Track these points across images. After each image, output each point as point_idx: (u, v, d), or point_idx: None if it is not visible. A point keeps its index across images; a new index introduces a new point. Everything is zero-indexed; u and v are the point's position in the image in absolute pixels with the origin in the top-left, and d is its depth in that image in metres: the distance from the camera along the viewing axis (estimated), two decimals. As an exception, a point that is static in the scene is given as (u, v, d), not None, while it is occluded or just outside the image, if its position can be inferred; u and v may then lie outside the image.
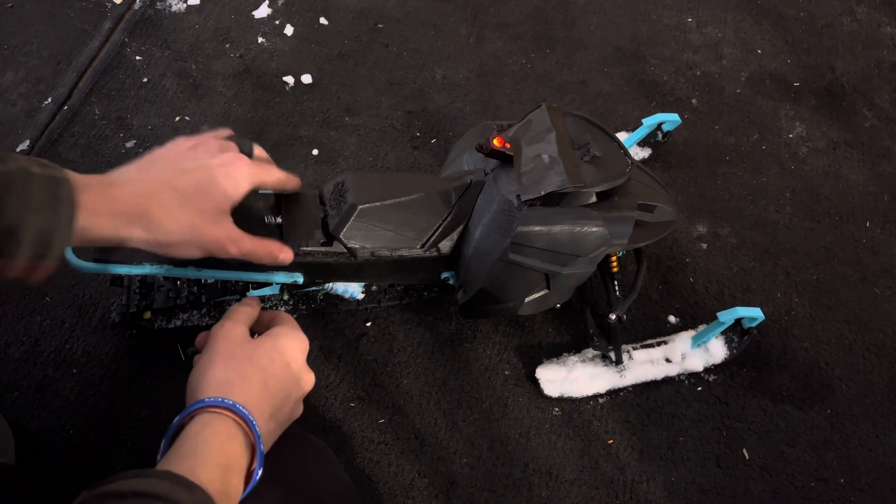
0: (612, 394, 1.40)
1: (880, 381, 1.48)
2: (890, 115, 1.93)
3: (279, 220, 1.12)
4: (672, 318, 1.52)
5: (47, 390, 1.32)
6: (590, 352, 1.42)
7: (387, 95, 1.85)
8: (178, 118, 1.74)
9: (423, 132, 1.78)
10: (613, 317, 1.31)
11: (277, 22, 1.97)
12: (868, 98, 1.97)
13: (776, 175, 1.79)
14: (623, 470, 1.33)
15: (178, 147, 0.91)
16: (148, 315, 1.31)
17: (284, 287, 1.36)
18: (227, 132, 0.99)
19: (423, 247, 1.17)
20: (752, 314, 1.34)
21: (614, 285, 1.36)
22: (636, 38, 2.05)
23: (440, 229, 1.17)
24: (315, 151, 1.71)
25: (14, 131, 1.67)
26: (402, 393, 1.38)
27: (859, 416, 1.43)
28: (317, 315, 1.44)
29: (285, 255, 0.97)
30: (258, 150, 1.03)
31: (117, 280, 1.29)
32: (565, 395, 1.38)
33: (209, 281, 1.29)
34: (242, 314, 0.92)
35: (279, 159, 1.68)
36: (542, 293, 1.24)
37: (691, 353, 1.42)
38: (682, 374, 1.42)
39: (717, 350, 1.41)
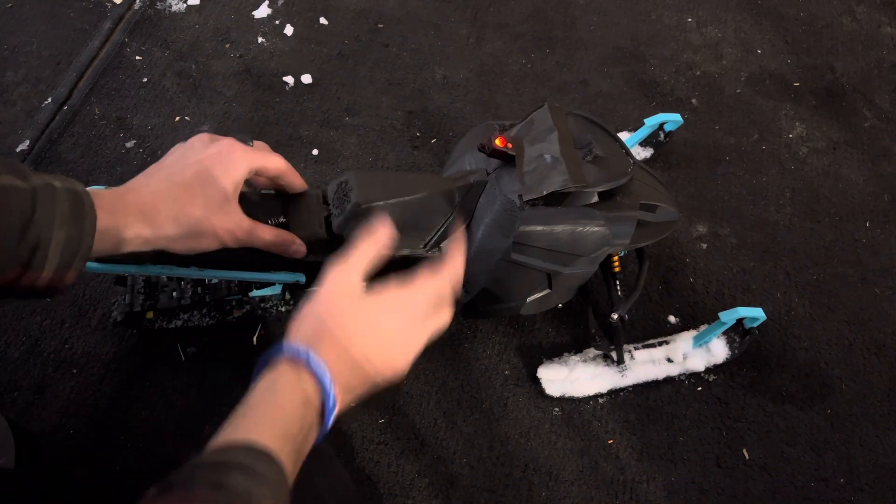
0: (612, 394, 1.40)
1: (880, 381, 1.48)
2: (890, 116, 1.93)
3: (282, 220, 1.11)
4: (672, 318, 1.52)
5: (47, 390, 1.32)
6: (591, 351, 1.42)
7: (387, 95, 1.85)
8: (178, 118, 1.74)
9: (423, 132, 1.78)
10: (615, 316, 1.31)
11: (277, 22, 1.97)
12: (868, 98, 1.97)
13: (776, 175, 1.79)
14: (623, 470, 1.33)
15: (176, 150, 0.91)
16: (150, 315, 1.31)
17: (287, 287, 1.36)
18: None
19: (425, 246, 1.17)
20: (754, 314, 1.34)
21: (616, 285, 1.36)
22: (636, 37, 2.05)
23: (443, 229, 1.17)
24: (315, 151, 1.71)
25: (14, 131, 1.66)
26: (401, 393, 1.38)
27: (859, 416, 1.43)
28: (317, 315, 1.44)
29: (298, 246, 0.96)
30: (259, 143, 1.03)
31: (121, 280, 1.29)
32: (567, 395, 1.38)
33: (213, 281, 1.29)
34: (362, 258, 0.76)
35: (279, 159, 1.68)
36: (544, 293, 1.24)
37: (693, 353, 1.42)
38: (683, 374, 1.43)
39: (718, 350, 1.41)
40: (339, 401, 0.68)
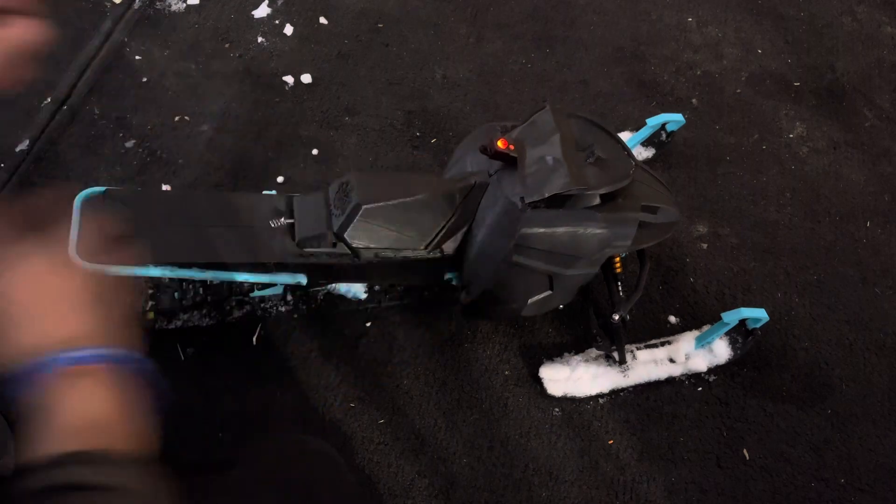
0: (613, 394, 1.40)
1: (881, 381, 1.48)
2: (890, 115, 1.93)
3: (289, 220, 1.12)
4: (672, 318, 1.52)
5: (48, 391, 1.32)
6: (593, 351, 1.42)
7: (387, 95, 1.85)
8: (177, 118, 1.73)
9: (423, 132, 1.78)
10: (617, 317, 1.31)
11: (277, 22, 1.97)
12: (868, 98, 1.97)
13: (776, 175, 1.79)
14: (623, 470, 1.33)
15: None
16: (151, 315, 1.31)
17: (287, 288, 1.36)
18: None
19: (426, 248, 1.17)
20: (757, 315, 1.34)
21: (617, 286, 1.36)
22: (636, 37, 2.05)
23: (444, 230, 1.17)
24: (315, 151, 1.71)
25: (13, 131, 1.66)
26: (401, 393, 1.38)
27: (860, 416, 1.43)
28: (317, 315, 1.44)
29: None
30: None
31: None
32: (568, 395, 1.38)
33: (214, 282, 1.29)
34: None
35: (279, 159, 1.68)
36: (545, 294, 1.24)
37: (695, 353, 1.42)
38: (685, 374, 1.43)
39: (720, 351, 1.41)
40: None
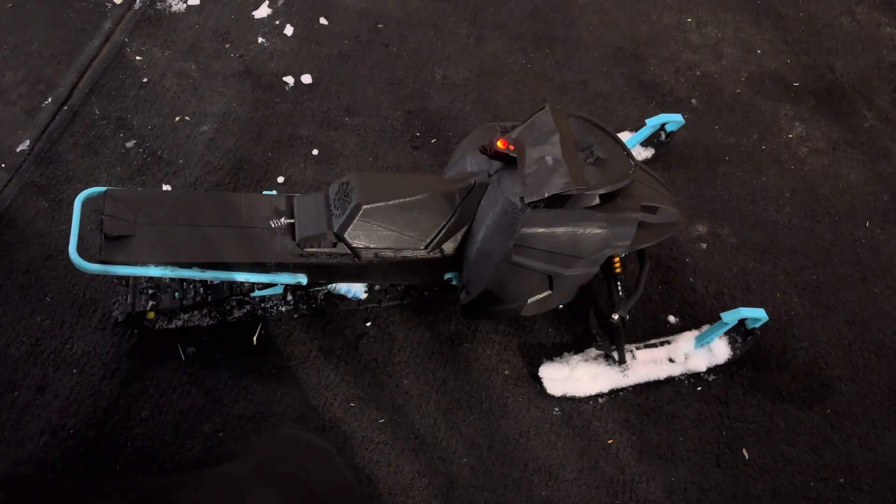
0: (612, 393, 1.40)
1: (880, 380, 1.48)
2: (889, 116, 1.93)
3: (289, 220, 1.12)
4: (672, 318, 1.52)
5: (47, 390, 1.32)
6: (592, 351, 1.42)
7: (387, 95, 1.85)
8: (178, 118, 1.74)
9: (423, 132, 1.78)
10: (616, 317, 1.31)
11: (277, 22, 1.97)
12: (868, 98, 1.97)
13: (776, 175, 1.79)
14: (623, 469, 1.33)
15: None
16: (151, 315, 1.31)
17: (288, 287, 1.36)
18: None
19: (426, 248, 1.18)
20: (756, 315, 1.34)
21: (617, 286, 1.36)
22: (636, 38, 2.05)
23: (444, 230, 1.17)
24: (315, 151, 1.71)
25: (14, 131, 1.66)
26: (401, 393, 1.38)
27: (859, 416, 1.43)
28: (317, 315, 1.44)
29: None
30: None
31: (123, 280, 1.29)
32: (568, 394, 1.38)
33: (215, 282, 1.29)
34: None
35: (279, 159, 1.68)
36: (545, 294, 1.24)
37: (694, 353, 1.42)
38: (684, 374, 1.43)
39: (720, 350, 1.41)
40: None
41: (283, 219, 1.11)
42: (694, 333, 1.44)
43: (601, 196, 1.13)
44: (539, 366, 1.40)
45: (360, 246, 1.13)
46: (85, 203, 1.12)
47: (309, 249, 1.13)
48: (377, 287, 1.42)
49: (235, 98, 1.79)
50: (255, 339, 1.40)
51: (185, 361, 1.37)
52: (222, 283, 1.29)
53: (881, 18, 2.17)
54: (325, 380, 1.38)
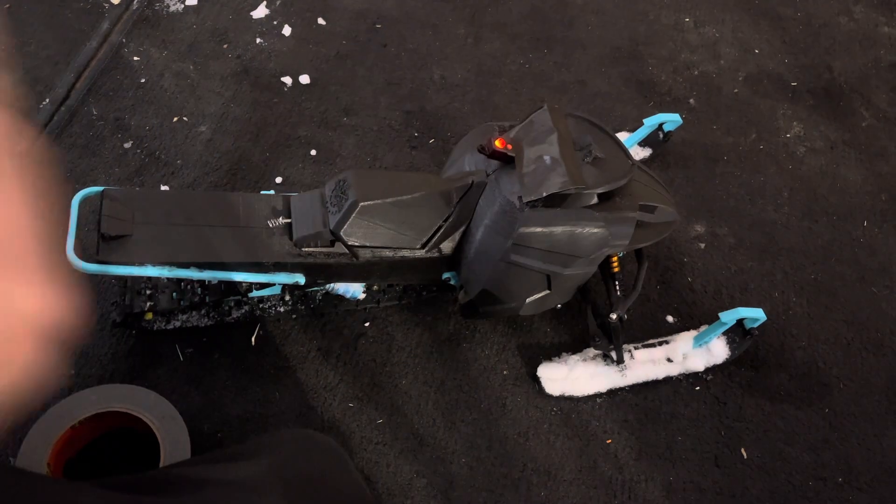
0: (611, 393, 1.40)
1: (878, 380, 1.48)
2: (887, 115, 1.94)
3: (286, 220, 1.12)
4: (670, 318, 1.52)
5: (45, 391, 1.32)
6: (591, 351, 1.42)
7: (385, 95, 1.85)
8: (175, 119, 1.74)
9: (421, 132, 1.78)
10: (614, 316, 1.31)
11: (275, 22, 1.97)
12: (865, 97, 1.97)
13: (774, 174, 1.79)
14: (621, 469, 1.33)
15: None
16: (149, 316, 1.31)
17: (286, 287, 1.36)
18: None
19: (424, 247, 1.18)
20: (755, 315, 1.34)
21: (615, 285, 1.36)
22: (634, 38, 2.05)
23: (442, 230, 1.17)
24: (313, 152, 1.71)
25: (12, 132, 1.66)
26: (400, 393, 1.38)
27: (857, 416, 1.43)
28: (315, 315, 1.44)
29: None
30: None
31: (121, 280, 1.29)
32: (566, 394, 1.38)
33: (212, 282, 1.29)
34: None
35: (277, 159, 1.68)
36: (543, 294, 1.24)
37: (693, 353, 1.42)
38: (683, 374, 1.43)
39: (718, 350, 1.41)
40: None
41: (280, 218, 1.10)
42: (692, 333, 1.44)
43: (599, 195, 1.13)
44: (537, 366, 1.40)
45: (357, 244, 1.13)
46: (82, 203, 1.12)
47: (306, 249, 1.12)
48: (375, 287, 1.42)
49: (233, 98, 1.79)
50: (253, 339, 1.40)
51: (184, 362, 1.37)
52: (220, 283, 1.29)
53: (879, 18, 2.17)
54: (324, 380, 1.38)
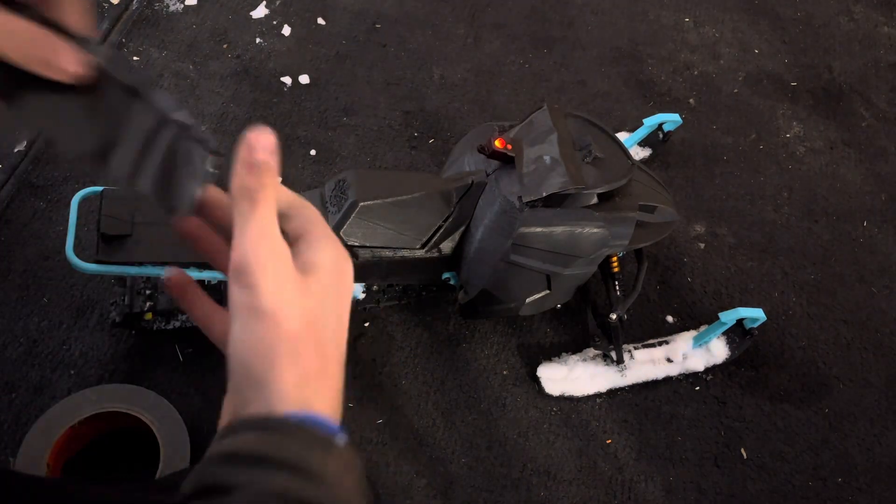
0: (610, 394, 1.40)
1: (878, 380, 1.48)
2: (887, 115, 1.94)
3: None
4: (670, 318, 1.52)
5: (45, 391, 1.32)
6: (591, 351, 1.42)
7: (384, 95, 1.85)
8: (175, 118, 1.73)
9: (420, 132, 1.78)
10: (614, 316, 1.31)
11: (275, 22, 1.97)
12: (865, 97, 1.97)
13: (774, 175, 1.79)
14: (621, 469, 1.33)
15: None
16: (149, 316, 1.31)
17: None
18: None
19: (423, 247, 1.18)
20: (754, 315, 1.34)
21: (615, 285, 1.36)
22: (634, 38, 2.05)
23: (441, 230, 1.17)
24: (313, 152, 1.71)
25: (11, 132, 1.66)
26: (400, 393, 1.38)
27: (857, 416, 1.43)
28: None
29: (66, 61, 0.43)
30: None
31: (121, 280, 1.29)
32: (566, 394, 1.38)
33: (212, 282, 1.29)
34: (270, 207, 0.45)
35: (277, 159, 1.68)
36: (543, 294, 1.24)
37: (693, 353, 1.42)
38: (682, 374, 1.43)
39: (718, 350, 1.41)
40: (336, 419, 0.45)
41: None
42: (692, 333, 1.44)
43: (599, 195, 1.13)
44: (537, 366, 1.40)
45: (357, 244, 1.12)
46: (82, 203, 1.11)
47: None
48: (375, 287, 1.42)
49: (233, 98, 1.79)
50: (252, 339, 1.40)
51: (183, 362, 1.36)
52: (219, 283, 1.28)
53: (879, 18, 2.17)
54: (324, 380, 1.38)
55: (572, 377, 1.38)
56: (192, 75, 1.83)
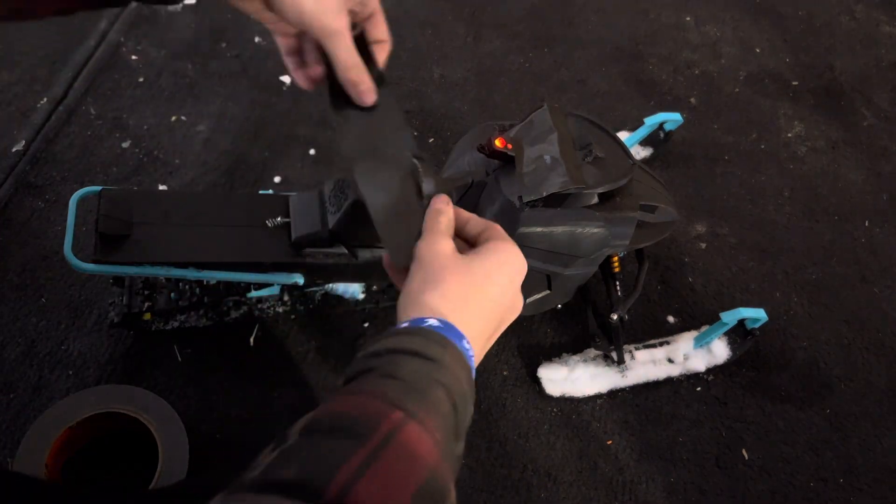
0: (611, 394, 1.40)
1: (879, 380, 1.48)
2: (888, 115, 1.93)
3: (285, 220, 1.11)
4: (671, 318, 1.52)
5: (43, 391, 1.31)
6: (591, 351, 1.42)
7: (384, 95, 1.84)
8: (174, 118, 1.73)
9: (420, 131, 1.78)
10: (615, 316, 1.31)
11: (274, 21, 1.96)
12: (866, 97, 1.97)
13: (775, 174, 1.78)
14: (622, 470, 1.33)
15: None
16: (148, 316, 1.30)
17: (285, 288, 1.36)
18: None
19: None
20: (756, 315, 1.34)
21: (616, 285, 1.35)
22: (634, 36, 2.05)
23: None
24: (312, 151, 1.70)
25: (9, 132, 1.65)
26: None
27: (858, 416, 1.43)
28: (314, 316, 1.43)
29: (368, 94, 0.74)
30: None
31: (119, 281, 1.29)
32: (567, 395, 1.37)
33: (211, 282, 1.28)
34: (445, 224, 0.74)
35: (276, 159, 1.67)
36: (543, 294, 1.23)
37: (694, 353, 1.42)
38: (683, 374, 1.42)
39: (719, 351, 1.41)
40: (476, 350, 0.65)
41: (278, 218, 1.10)
42: (693, 334, 1.44)
43: (600, 195, 1.12)
44: (538, 366, 1.40)
45: (357, 244, 1.12)
46: (80, 203, 1.11)
47: (308, 249, 1.12)
48: (374, 287, 1.42)
49: (232, 98, 1.78)
50: (251, 340, 1.40)
51: (182, 362, 1.36)
52: (218, 283, 1.28)
53: (880, 17, 2.16)
54: (322, 381, 1.37)
55: (573, 378, 1.37)
56: (191, 74, 1.82)
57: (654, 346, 1.43)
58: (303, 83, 0.75)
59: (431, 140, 1.76)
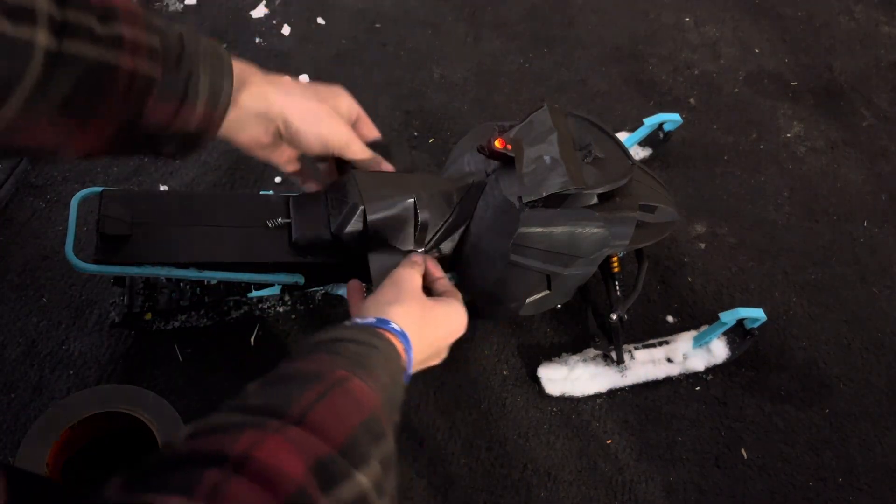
0: (611, 394, 1.40)
1: (879, 380, 1.48)
2: (888, 115, 1.93)
3: (285, 220, 1.11)
4: (670, 318, 1.52)
5: (44, 391, 1.32)
6: (591, 351, 1.42)
7: (384, 95, 1.84)
8: (175, 118, 1.73)
9: (420, 132, 1.78)
10: (615, 316, 1.31)
11: (275, 22, 1.97)
12: (866, 97, 1.97)
13: (774, 174, 1.79)
14: (622, 470, 1.33)
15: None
16: (149, 316, 1.31)
17: (285, 288, 1.36)
18: None
19: (424, 248, 1.17)
20: (755, 315, 1.34)
21: (615, 285, 1.36)
22: (634, 37, 2.05)
23: (441, 230, 1.16)
24: (313, 151, 1.70)
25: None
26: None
27: (858, 416, 1.43)
28: (314, 316, 1.43)
29: (385, 165, 1.07)
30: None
31: (119, 280, 1.29)
32: (566, 395, 1.38)
33: (211, 282, 1.29)
34: (419, 265, 0.98)
35: (277, 159, 1.67)
36: (543, 294, 1.23)
37: (693, 353, 1.42)
38: (683, 374, 1.42)
39: (718, 350, 1.41)
40: (414, 360, 0.83)
41: (279, 218, 1.10)
42: (692, 333, 1.44)
43: (599, 195, 1.12)
44: (537, 366, 1.40)
45: (356, 246, 1.12)
46: (81, 203, 1.11)
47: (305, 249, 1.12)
48: (374, 288, 1.42)
49: (233, 98, 1.78)
50: (252, 339, 1.40)
51: (182, 362, 1.36)
52: (219, 283, 1.28)
53: (879, 17, 2.17)
54: (323, 380, 1.38)
55: (572, 377, 1.38)
56: (192, 75, 1.82)
57: (653, 345, 1.43)
58: (312, 188, 1.09)
59: (431, 140, 1.76)
